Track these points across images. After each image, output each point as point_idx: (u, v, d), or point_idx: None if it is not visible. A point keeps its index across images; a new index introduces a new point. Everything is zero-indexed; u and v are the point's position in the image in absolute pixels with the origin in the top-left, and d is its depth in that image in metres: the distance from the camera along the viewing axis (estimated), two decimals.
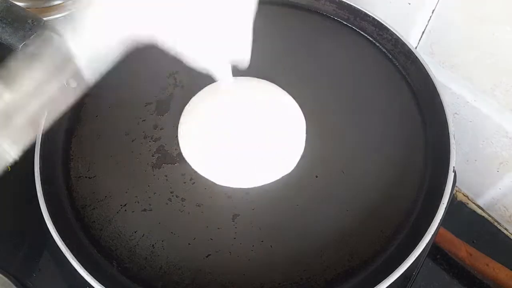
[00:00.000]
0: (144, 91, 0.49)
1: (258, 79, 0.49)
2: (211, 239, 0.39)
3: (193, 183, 0.42)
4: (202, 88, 0.48)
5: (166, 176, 0.43)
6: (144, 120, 0.46)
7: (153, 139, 0.45)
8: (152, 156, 0.44)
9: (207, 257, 0.38)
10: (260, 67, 0.46)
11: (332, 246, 0.38)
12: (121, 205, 0.41)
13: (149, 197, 0.42)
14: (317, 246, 0.38)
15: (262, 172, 0.42)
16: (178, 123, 0.46)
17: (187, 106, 0.47)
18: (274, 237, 0.39)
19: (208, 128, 0.45)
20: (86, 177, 0.43)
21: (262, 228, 0.39)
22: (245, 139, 0.44)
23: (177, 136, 0.45)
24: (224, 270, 0.38)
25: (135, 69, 0.50)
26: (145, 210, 0.41)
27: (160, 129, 0.46)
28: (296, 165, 0.42)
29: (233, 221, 0.40)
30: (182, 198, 0.41)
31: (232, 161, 0.43)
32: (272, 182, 0.41)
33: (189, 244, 0.39)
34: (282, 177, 0.42)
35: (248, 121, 0.45)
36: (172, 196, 0.42)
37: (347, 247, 0.38)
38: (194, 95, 0.48)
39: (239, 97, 0.47)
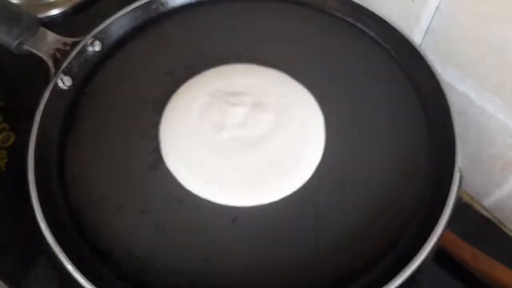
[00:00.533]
0: (141, 90, 0.48)
1: (265, 67, 0.46)
2: (210, 241, 0.38)
3: None
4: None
5: (163, 176, 0.42)
6: (141, 120, 0.45)
7: (150, 139, 0.44)
8: (149, 156, 0.43)
9: (206, 260, 0.37)
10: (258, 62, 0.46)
11: (335, 249, 0.38)
12: (117, 207, 0.41)
13: (146, 198, 0.41)
14: (319, 248, 0.38)
15: (266, 191, 0.39)
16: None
17: (172, 99, 0.44)
18: (275, 239, 0.38)
19: (198, 129, 0.41)
20: (81, 177, 0.43)
21: (263, 231, 0.38)
22: (249, 144, 0.40)
23: None
24: (224, 274, 0.37)
25: (132, 67, 0.50)
26: (142, 211, 0.40)
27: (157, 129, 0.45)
28: None
29: (232, 223, 0.39)
30: (180, 200, 0.40)
31: (229, 175, 0.39)
32: None
33: (187, 246, 0.38)
34: None
35: (253, 119, 0.41)
36: (170, 197, 0.41)
37: (351, 250, 0.37)
38: None
39: (240, 87, 0.41)
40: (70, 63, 0.48)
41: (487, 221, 0.53)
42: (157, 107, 0.46)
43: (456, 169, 0.38)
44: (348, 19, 0.51)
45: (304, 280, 0.36)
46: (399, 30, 0.48)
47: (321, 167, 0.41)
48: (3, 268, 0.45)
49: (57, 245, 0.36)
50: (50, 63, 0.48)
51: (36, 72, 0.51)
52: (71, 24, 0.62)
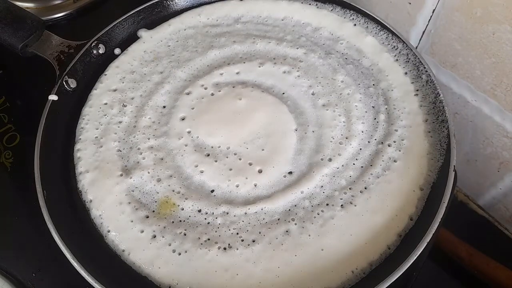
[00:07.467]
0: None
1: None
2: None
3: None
4: None
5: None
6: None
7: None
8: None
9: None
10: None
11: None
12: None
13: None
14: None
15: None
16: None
17: None
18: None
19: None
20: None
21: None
22: None
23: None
24: None
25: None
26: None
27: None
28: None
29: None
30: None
31: None
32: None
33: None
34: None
35: None
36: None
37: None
38: None
39: None
40: (74, 65, 0.49)
41: (482, 220, 0.54)
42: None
43: (452, 168, 0.39)
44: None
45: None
46: (396, 32, 0.48)
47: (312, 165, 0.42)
48: (8, 268, 0.45)
49: (63, 242, 0.37)
50: (55, 66, 0.49)
51: (41, 74, 0.52)
52: (76, 26, 0.63)
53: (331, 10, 0.52)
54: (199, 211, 0.40)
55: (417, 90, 0.46)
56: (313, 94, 0.46)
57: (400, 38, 0.48)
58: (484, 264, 0.47)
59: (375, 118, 0.45)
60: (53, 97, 0.46)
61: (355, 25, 0.51)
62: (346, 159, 0.42)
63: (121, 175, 0.43)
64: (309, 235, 0.38)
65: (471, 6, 0.44)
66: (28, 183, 0.42)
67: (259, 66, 0.49)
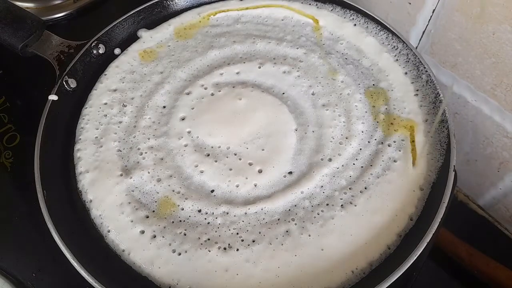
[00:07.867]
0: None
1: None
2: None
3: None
4: None
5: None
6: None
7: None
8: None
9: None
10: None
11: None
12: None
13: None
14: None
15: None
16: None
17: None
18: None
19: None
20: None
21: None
22: None
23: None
24: None
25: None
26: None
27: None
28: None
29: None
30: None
31: None
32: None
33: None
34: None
35: None
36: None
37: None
38: None
39: None
40: (74, 65, 0.49)
41: (483, 220, 0.54)
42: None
43: (452, 168, 0.39)
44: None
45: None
46: (396, 32, 0.48)
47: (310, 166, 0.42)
48: (8, 268, 0.45)
49: (63, 242, 0.37)
50: (54, 66, 0.49)
51: (41, 74, 0.52)
52: (76, 26, 0.63)
53: (331, 10, 0.52)
54: (199, 211, 0.40)
55: (417, 90, 0.46)
56: (313, 94, 0.47)
57: (400, 38, 0.48)
58: (484, 264, 0.47)
59: (375, 118, 0.45)
60: (53, 97, 0.46)
61: (355, 25, 0.51)
62: (346, 159, 0.42)
63: (121, 175, 0.43)
64: (309, 235, 0.38)
65: (471, 6, 0.44)
66: (28, 183, 0.42)
67: (259, 66, 0.49)
